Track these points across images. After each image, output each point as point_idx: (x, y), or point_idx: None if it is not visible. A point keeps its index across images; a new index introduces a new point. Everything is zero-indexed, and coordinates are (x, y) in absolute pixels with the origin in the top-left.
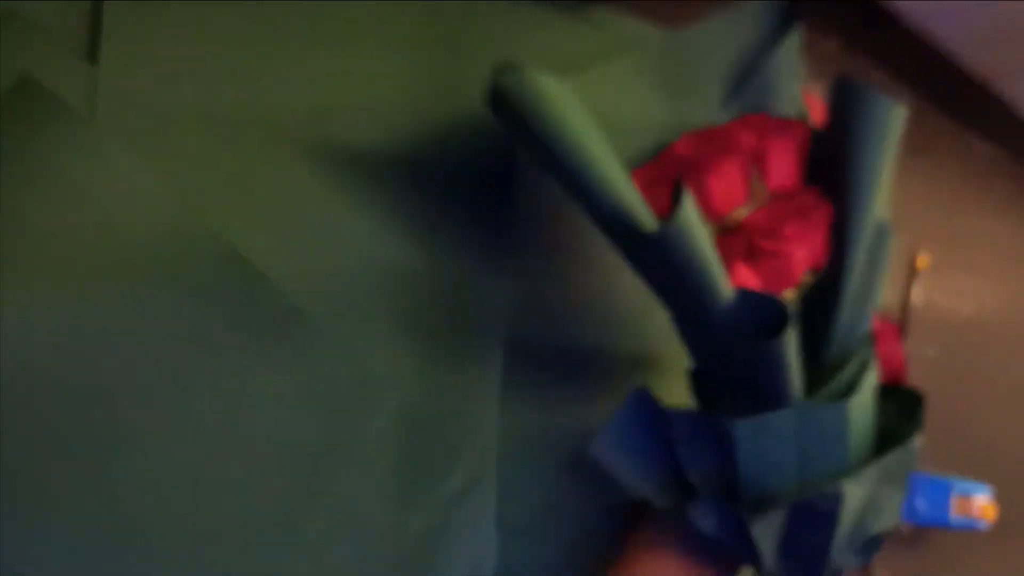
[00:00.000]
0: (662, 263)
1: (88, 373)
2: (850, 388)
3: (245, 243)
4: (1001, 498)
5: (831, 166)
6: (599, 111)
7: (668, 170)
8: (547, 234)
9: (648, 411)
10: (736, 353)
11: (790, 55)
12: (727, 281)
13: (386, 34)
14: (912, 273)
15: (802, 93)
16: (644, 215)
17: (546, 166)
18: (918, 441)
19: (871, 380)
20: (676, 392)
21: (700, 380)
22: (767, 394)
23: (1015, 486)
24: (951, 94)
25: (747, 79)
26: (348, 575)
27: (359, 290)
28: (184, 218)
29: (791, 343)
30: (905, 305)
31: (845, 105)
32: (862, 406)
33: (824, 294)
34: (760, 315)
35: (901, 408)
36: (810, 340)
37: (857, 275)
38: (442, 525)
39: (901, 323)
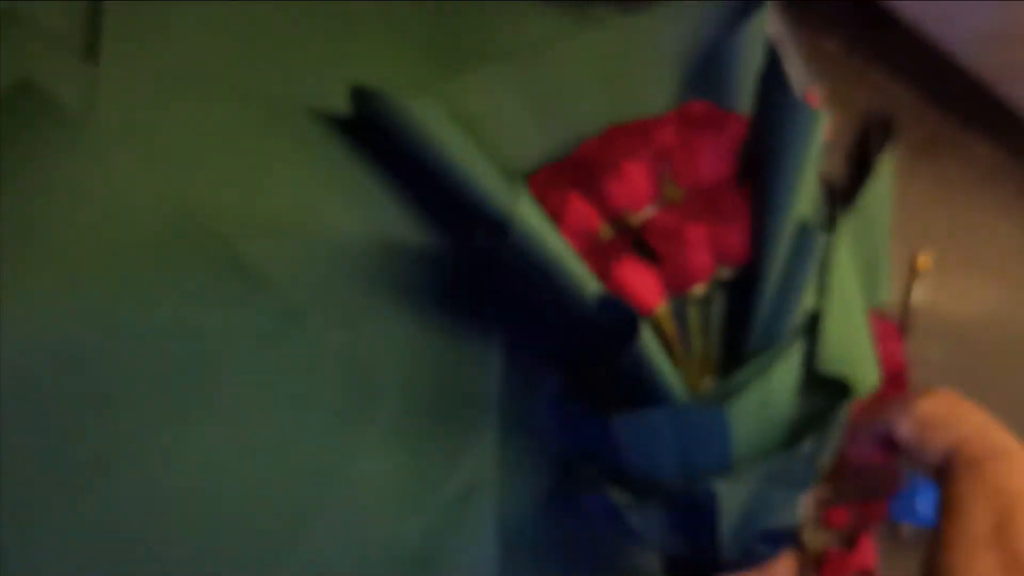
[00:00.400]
0: (512, 258)
1: (87, 377)
2: (737, 390)
3: (246, 245)
4: None
5: (758, 164)
6: (541, 99)
7: (569, 171)
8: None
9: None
10: (600, 352)
11: (754, 39)
12: (592, 282)
13: (389, 35)
14: (913, 274)
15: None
16: (504, 212)
17: (426, 173)
18: (810, 445)
19: (779, 378)
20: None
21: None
22: (644, 391)
23: None
24: (952, 95)
25: (705, 67)
26: None
27: (359, 293)
28: (185, 220)
29: (651, 347)
30: (906, 305)
31: (769, 106)
32: (753, 406)
33: (744, 289)
34: (618, 320)
35: (833, 400)
36: (732, 332)
37: (776, 273)
38: (442, 528)
39: (902, 323)
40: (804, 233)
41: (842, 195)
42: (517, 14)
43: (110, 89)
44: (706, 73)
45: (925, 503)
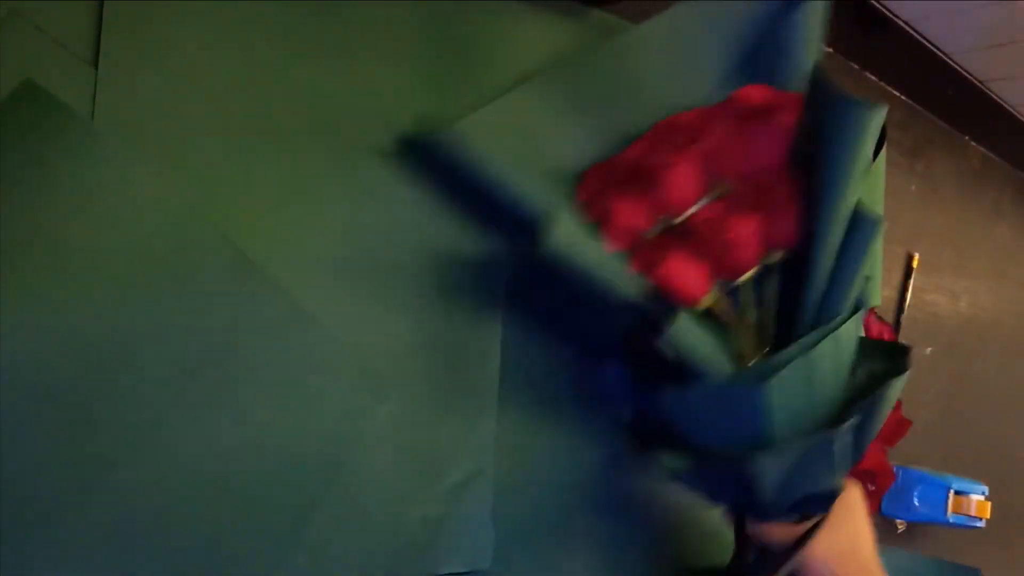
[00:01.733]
0: (559, 270)
1: (97, 374)
2: (779, 367)
3: (248, 244)
4: (994, 495)
5: (811, 153)
6: (591, 102)
7: (619, 173)
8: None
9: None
10: (643, 340)
11: (810, 23)
12: (631, 284)
13: (386, 35)
14: (907, 272)
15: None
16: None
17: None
18: (853, 424)
19: (826, 356)
20: None
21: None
22: (692, 369)
23: (1008, 483)
24: (945, 97)
25: (760, 47)
26: (350, 566)
27: (362, 292)
28: (188, 220)
29: (687, 335)
30: (900, 303)
31: (819, 104)
32: (797, 384)
33: (795, 272)
34: (656, 313)
35: (889, 365)
36: (788, 307)
37: (828, 255)
38: (441, 517)
39: (896, 321)
40: (859, 217)
41: None
42: (514, 17)
43: (110, 91)
44: (761, 52)
45: (922, 501)
